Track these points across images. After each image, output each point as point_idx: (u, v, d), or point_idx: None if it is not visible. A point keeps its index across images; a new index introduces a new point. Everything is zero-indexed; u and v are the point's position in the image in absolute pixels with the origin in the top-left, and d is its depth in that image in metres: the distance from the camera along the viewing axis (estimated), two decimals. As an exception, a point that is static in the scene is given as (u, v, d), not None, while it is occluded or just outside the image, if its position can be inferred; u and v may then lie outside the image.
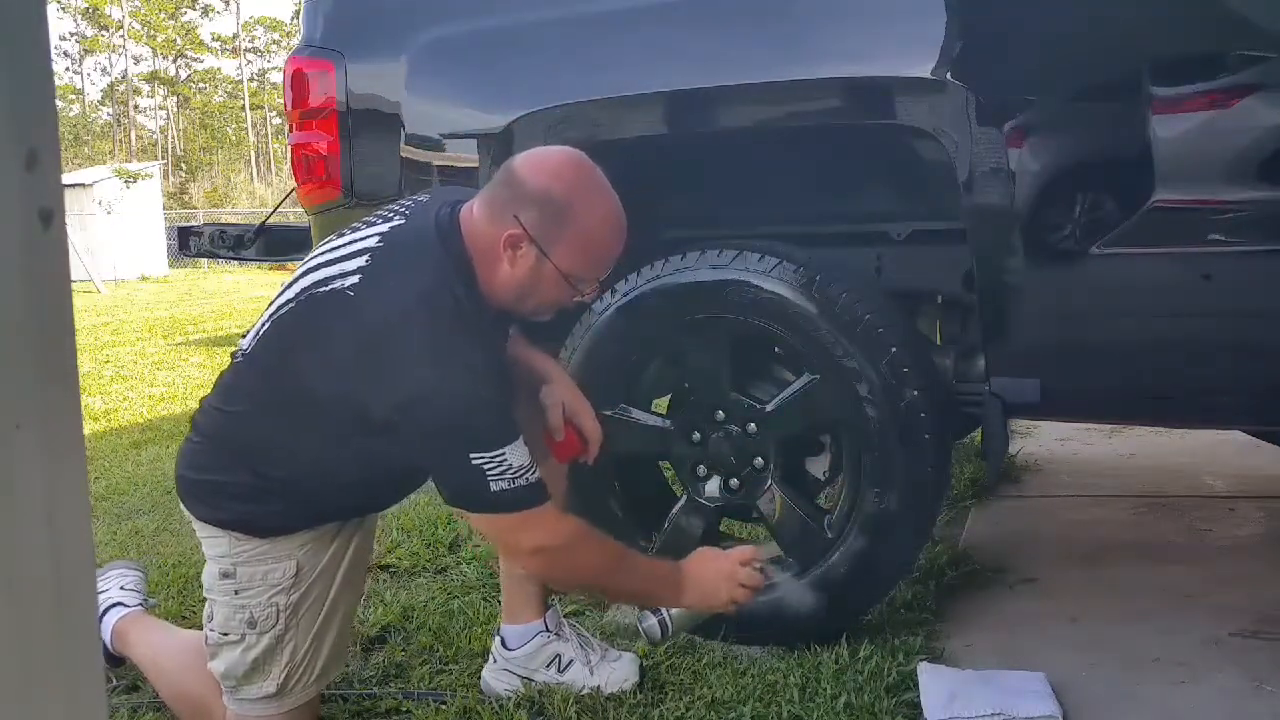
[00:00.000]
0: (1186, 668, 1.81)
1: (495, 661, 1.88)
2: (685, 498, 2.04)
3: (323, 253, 1.58)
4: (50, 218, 0.44)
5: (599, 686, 1.80)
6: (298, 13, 4.55)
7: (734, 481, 2.00)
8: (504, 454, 1.44)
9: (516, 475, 1.45)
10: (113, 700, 1.83)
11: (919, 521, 1.91)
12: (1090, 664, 1.84)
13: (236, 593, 1.61)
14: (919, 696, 1.69)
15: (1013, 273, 1.75)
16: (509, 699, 1.79)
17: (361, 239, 1.55)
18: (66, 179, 17.63)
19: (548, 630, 1.86)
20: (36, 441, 0.44)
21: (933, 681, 1.71)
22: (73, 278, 0.51)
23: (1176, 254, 1.66)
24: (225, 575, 1.61)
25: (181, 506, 1.67)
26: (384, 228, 1.56)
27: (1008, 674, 1.76)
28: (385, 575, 2.47)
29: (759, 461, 1.97)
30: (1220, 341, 1.71)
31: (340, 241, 1.57)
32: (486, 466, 1.43)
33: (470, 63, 2.12)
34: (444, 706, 1.78)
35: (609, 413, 2.03)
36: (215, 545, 1.62)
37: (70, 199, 17.90)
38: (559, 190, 1.51)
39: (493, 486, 1.44)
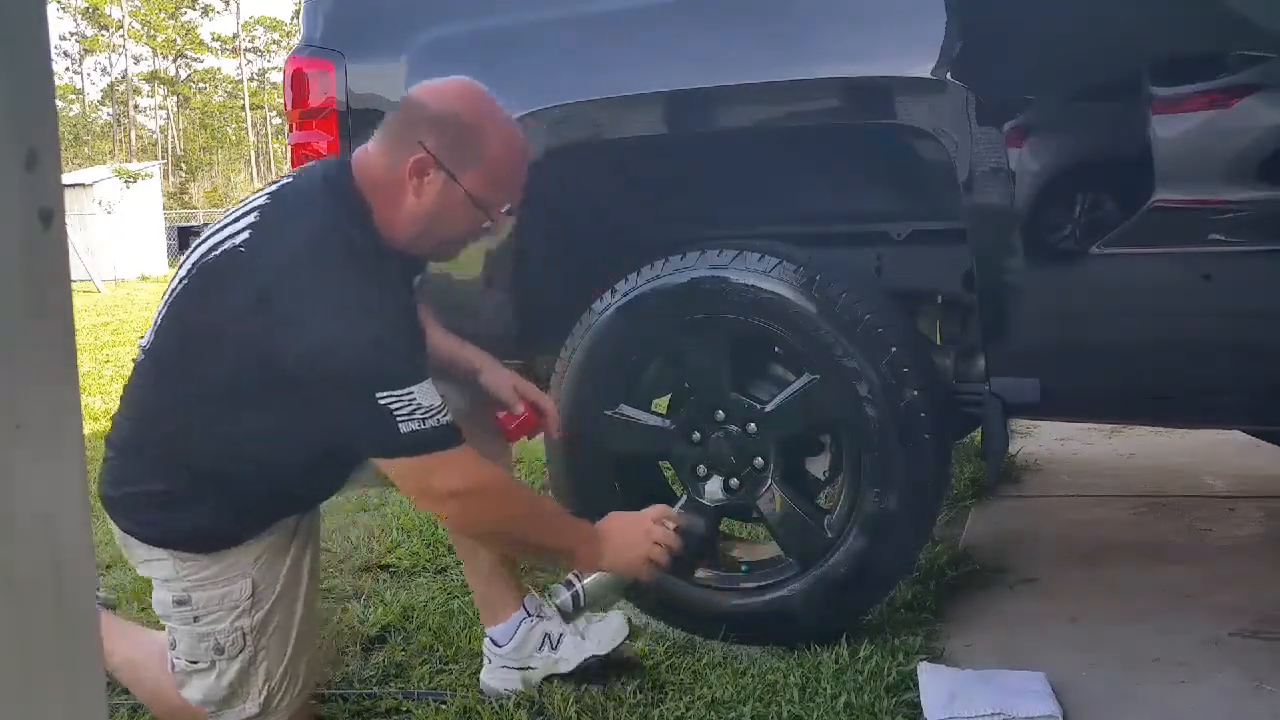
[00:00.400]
0: (1186, 668, 1.81)
1: (490, 662, 1.88)
2: (685, 498, 2.04)
3: (213, 226, 1.58)
4: (50, 218, 0.44)
5: (595, 651, 1.81)
6: (298, 13, 4.55)
7: (734, 481, 2.00)
8: (412, 393, 1.41)
9: (427, 415, 1.42)
10: (113, 700, 1.83)
11: (919, 521, 1.91)
12: (1090, 664, 1.84)
13: (196, 619, 1.57)
14: (919, 696, 1.69)
15: (1013, 273, 1.75)
16: (509, 698, 1.79)
17: (250, 201, 1.56)
18: (66, 179, 17.63)
19: (530, 615, 1.85)
20: (36, 441, 0.44)
21: (933, 681, 1.71)
22: (73, 278, 0.51)
23: (1176, 254, 1.66)
24: (180, 602, 1.56)
25: (115, 531, 1.61)
26: (273, 188, 1.58)
27: (1008, 674, 1.76)
28: (385, 575, 2.47)
29: (759, 461, 1.97)
30: (1220, 341, 1.71)
31: (230, 211, 1.58)
32: (394, 406, 1.40)
33: (470, 63, 2.11)
34: (444, 706, 1.78)
35: (609, 413, 2.04)
36: (159, 568, 1.57)
37: (70, 199, 17.89)
38: (465, 113, 1.51)
39: (403, 428, 1.41)
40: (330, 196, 1.50)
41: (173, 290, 1.54)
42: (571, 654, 1.81)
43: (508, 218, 1.59)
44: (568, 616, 1.72)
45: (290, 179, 1.59)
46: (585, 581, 1.69)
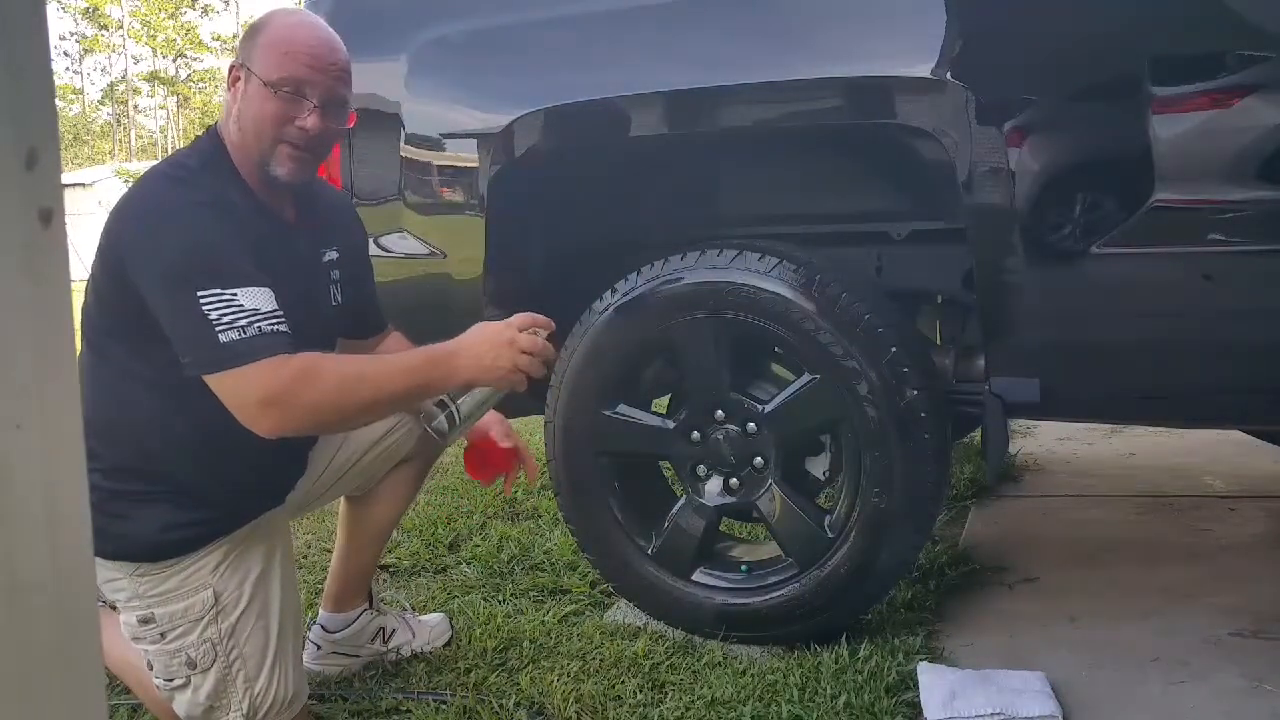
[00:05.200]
0: (1186, 668, 1.81)
1: (320, 649, 1.97)
2: (685, 498, 2.04)
3: None
4: (50, 217, 0.44)
5: (424, 645, 2.01)
6: (298, 13, 4.54)
7: (734, 481, 2.00)
8: (236, 294, 1.39)
9: (250, 322, 1.39)
10: (113, 700, 1.83)
11: (919, 521, 1.91)
12: (1090, 664, 1.84)
13: (164, 636, 1.55)
14: (919, 696, 1.69)
15: (1013, 273, 1.75)
16: (509, 696, 1.79)
17: None
18: (66, 179, 17.64)
19: (372, 609, 2.00)
20: (36, 441, 0.43)
21: (933, 681, 1.72)
22: (73, 277, 0.51)
23: (1176, 254, 1.66)
24: (145, 621, 1.55)
25: None
26: None
27: (1008, 674, 1.76)
28: (385, 575, 2.47)
29: (759, 461, 1.97)
30: (1220, 341, 1.71)
31: None
32: (214, 310, 1.37)
33: (470, 63, 2.12)
34: (444, 706, 1.78)
35: (608, 412, 2.04)
36: (118, 589, 1.55)
37: (70, 199, 17.91)
38: (258, 20, 1.59)
39: (221, 338, 1.37)
40: (193, 143, 1.58)
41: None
42: (403, 645, 2.01)
43: (328, 111, 1.56)
44: (445, 435, 1.63)
45: None
46: (460, 401, 1.60)
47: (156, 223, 1.45)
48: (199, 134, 1.62)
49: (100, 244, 1.49)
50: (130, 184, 1.62)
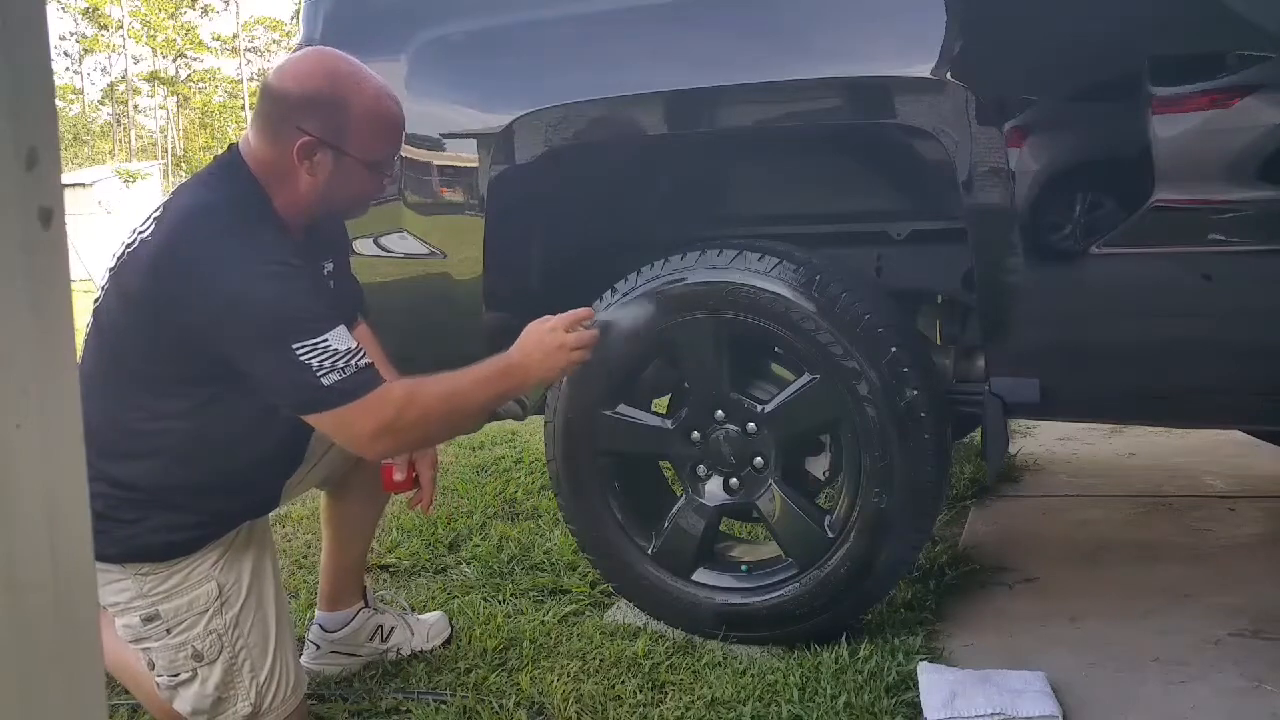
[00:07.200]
0: (1186, 668, 1.81)
1: (319, 648, 1.97)
2: (685, 498, 2.04)
3: (126, 237, 1.61)
4: (50, 217, 0.44)
5: (423, 643, 2.02)
6: (297, 13, 4.55)
7: (734, 481, 2.00)
8: (327, 339, 1.43)
9: (346, 362, 1.44)
10: (112, 700, 1.83)
11: (919, 521, 1.91)
12: (1090, 664, 1.84)
13: (170, 631, 1.57)
14: (919, 696, 1.69)
15: (1013, 272, 1.75)
16: (509, 696, 1.79)
17: (157, 207, 1.60)
18: (66, 179, 17.66)
19: (368, 607, 2.00)
20: (36, 441, 0.44)
21: (933, 681, 1.72)
22: (73, 277, 0.51)
23: (1176, 254, 1.66)
24: (149, 619, 1.57)
25: None
26: (177, 187, 1.64)
27: (1008, 674, 1.76)
28: (385, 575, 2.47)
29: (759, 461, 1.97)
30: (1220, 341, 1.71)
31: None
32: (312, 357, 1.41)
33: (470, 63, 2.12)
34: (444, 706, 1.78)
35: (608, 412, 2.04)
36: (120, 591, 1.56)
37: (70, 199, 17.92)
38: (324, 88, 1.55)
39: (325, 381, 1.42)
40: (223, 178, 1.56)
41: (93, 310, 1.57)
42: (402, 644, 2.01)
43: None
44: (520, 418, 1.82)
45: (192, 176, 1.66)
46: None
47: (235, 289, 1.44)
48: (219, 158, 1.60)
49: (147, 288, 1.48)
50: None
